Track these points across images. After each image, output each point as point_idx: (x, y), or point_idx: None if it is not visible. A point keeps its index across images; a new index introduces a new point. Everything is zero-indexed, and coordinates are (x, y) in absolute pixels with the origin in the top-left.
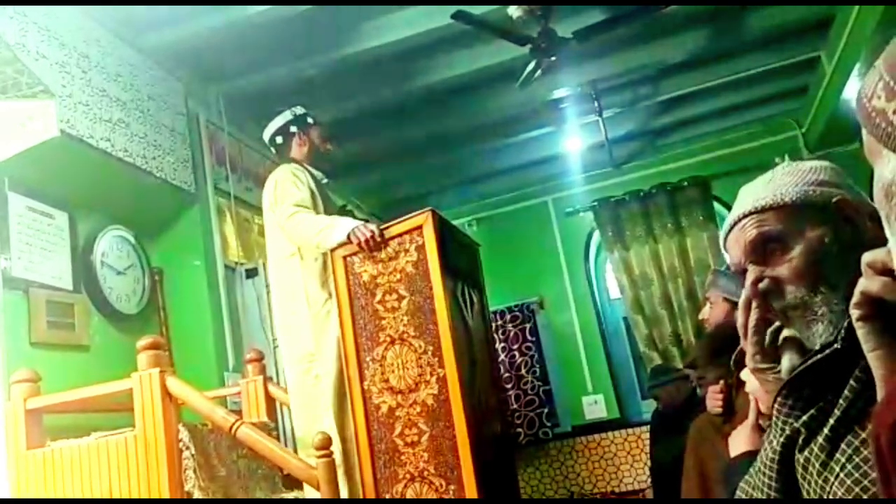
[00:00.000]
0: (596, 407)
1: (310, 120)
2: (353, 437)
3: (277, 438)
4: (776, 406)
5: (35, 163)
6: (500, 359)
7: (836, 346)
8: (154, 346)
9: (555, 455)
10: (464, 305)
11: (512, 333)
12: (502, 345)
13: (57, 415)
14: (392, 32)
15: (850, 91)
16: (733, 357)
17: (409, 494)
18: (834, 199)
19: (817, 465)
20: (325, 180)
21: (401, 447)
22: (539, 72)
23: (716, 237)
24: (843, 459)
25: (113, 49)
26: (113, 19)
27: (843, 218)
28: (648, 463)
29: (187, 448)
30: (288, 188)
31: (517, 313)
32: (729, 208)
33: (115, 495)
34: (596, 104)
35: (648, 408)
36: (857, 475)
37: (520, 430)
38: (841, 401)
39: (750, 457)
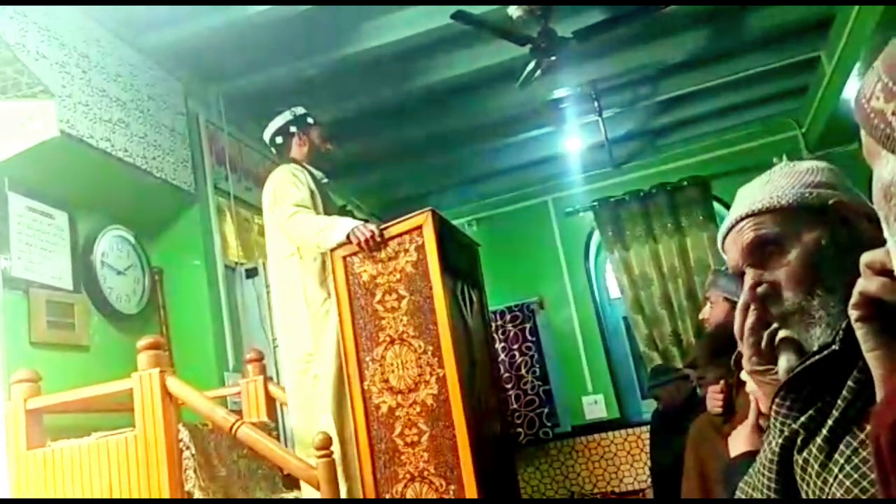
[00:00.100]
0: (596, 407)
1: (310, 120)
2: (352, 436)
3: (277, 438)
4: (774, 407)
5: (35, 163)
6: (499, 359)
7: (833, 347)
8: (154, 346)
9: (555, 455)
10: (463, 305)
11: (512, 333)
12: (502, 345)
13: (57, 415)
14: (392, 32)
15: (850, 91)
16: (733, 357)
17: (409, 494)
18: (830, 202)
19: (816, 466)
20: (325, 180)
21: (401, 447)
22: (539, 72)
23: (716, 237)
24: (841, 460)
25: (113, 49)
26: (113, 19)
27: (840, 220)
28: (648, 463)
29: (187, 448)
30: (287, 188)
31: (517, 313)
32: (728, 208)
33: (116, 495)
34: (596, 104)
35: (648, 408)
36: (855, 476)
37: (520, 429)
38: (839, 402)
39: (750, 457)
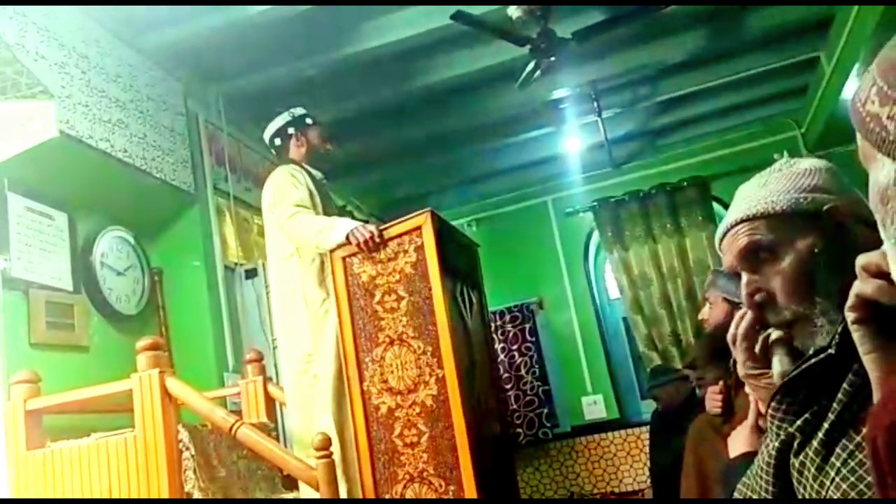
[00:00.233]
0: (595, 407)
1: (308, 121)
2: (352, 437)
3: (277, 439)
4: (770, 411)
5: (34, 163)
6: (499, 359)
7: (829, 350)
8: (154, 346)
9: (554, 455)
10: (463, 306)
11: (511, 334)
12: (502, 345)
13: (57, 415)
14: (392, 32)
15: (850, 91)
16: (732, 358)
17: (409, 495)
18: (825, 207)
19: (812, 470)
20: (324, 180)
21: (400, 448)
22: (538, 72)
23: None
24: (837, 464)
25: (112, 49)
26: (112, 19)
27: (834, 225)
28: (648, 463)
29: (187, 449)
30: (286, 189)
31: (516, 313)
32: (728, 208)
33: (115, 496)
34: (595, 104)
35: (648, 408)
36: (852, 479)
37: (519, 430)
38: (835, 405)
39: (749, 458)
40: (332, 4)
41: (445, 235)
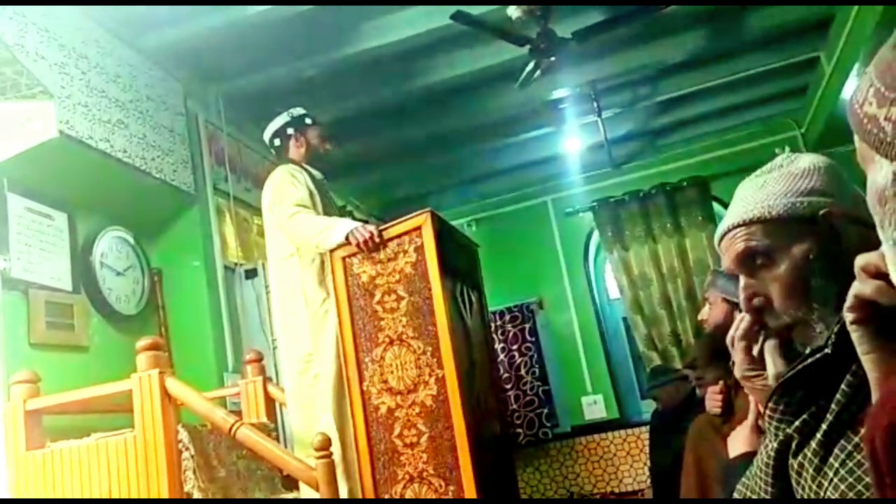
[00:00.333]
0: (595, 407)
1: (307, 121)
2: (352, 437)
3: (277, 439)
4: (768, 412)
5: (34, 164)
6: (499, 359)
7: (826, 350)
8: (153, 346)
9: (554, 455)
10: (463, 306)
11: (511, 334)
12: (501, 345)
13: (56, 416)
14: (392, 32)
15: (850, 91)
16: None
17: (409, 495)
18: (821, 212)
19: (811, 471)
20: (324, 180)
21: (400, 448)
22: (538, 72)
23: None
24: (836, 464)
25: (112, 49)
26: (112, 19)
27: (829, 229)
28: (648, 463)
29: (187, 449)
30: (286, 188)
31: (516, 313)
32: (728, 208)
33: (115, 496)
34: (595, 104)
35: (648, 408)
36: (850, 480)
37: (519, 430)
38: (833, 405)
39: (748, 458)
40: (332, 4)
41: (445, 235)
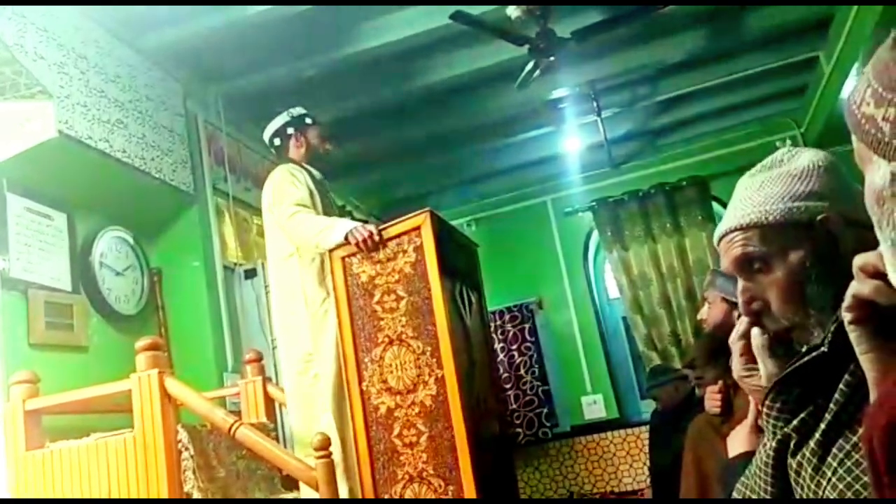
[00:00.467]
0: (595, 407)
1: (307, 120)
2: (352, 436)
3: (276, 439)
4: (765, 410)
5: (33, 164)
6: (499, 359)
7: (822, 349)
8: (153, 346)
9: (554, 455)
10: (462, 306)
11: (511, 334)
12: (501, 345)
13: (56, 416)
14: (392, 32)
15: (849, 91)
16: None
17: (408, 495)
18: (819, 218)
19: (809, 470)
20: (325, 180)
21: (399, 448)
22: (538, 72)
23: None
24: (834, 464)
25: (111, 49)
26: (111, 20)
27: (826, 233)
28: (647, 463)
29: (186, 449)
30: (286, 188)
31: (516, 313)
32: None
33: (115, 496)
34: (595, 104)
35: (647, 408)
36: (848, 479)
37: (519, 430)
38: (832, 405)
39: (748, 457)
40: (332, 4)
41: (445, 235)
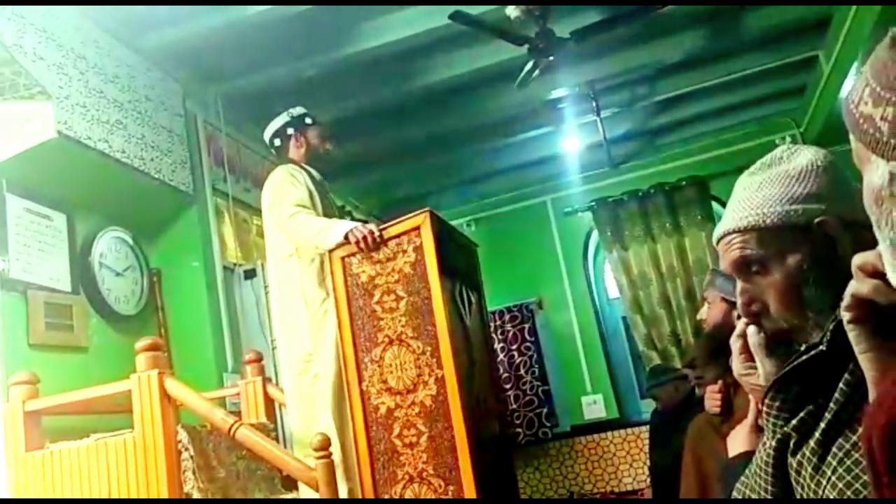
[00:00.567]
0: (595, 407)
1: (307, 120)
2: (351, 436)
3: (276, 439)
4: (764, 409)
5: (33, 164)
6: (498, 359)
7: (821, 347)
8: (153, 347)
9: (554, 455)
10: (462, 306)
11: (511, 334)
12: (501, 345)
13: (56, 417)
14: (392, 32)
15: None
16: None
17: (408, 495)
18: (816, 221)
19: (809, 469)
20: (325, 180)
21: (399, 448)
22: (537, 72)
23: None
24: (834, 463)
25: (110, 50)
26: (111, 20)
27: (823, 236)
28: (648, 463)
29: (186, 449)
30: (286, 188)
31: (516, 313)
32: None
33: (115, 497)
34: (594, 104)
35: (647, 407)
36: (848, 478)
37: (519, 430)
38: (831, 404)
39: (748, 457)
40: (332, 4)
41: (444, 235)
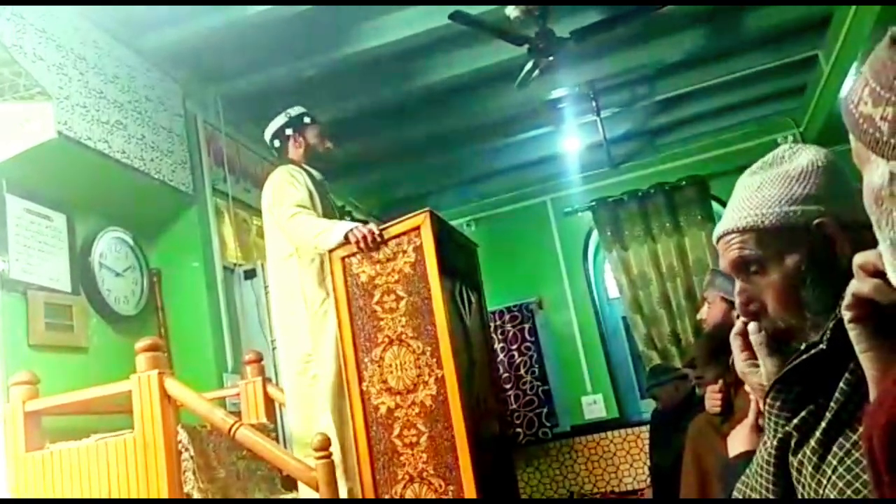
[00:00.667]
0: (595, 407)
1: (306, 120)
2: (351, 437)
3: (276, 440)
4: (766, 408)
5: (33, 165)
6: (498, 359)
7: (821, 346)
8: (153, 347)
9: (554, 455)
10: (462, 306)
11: (511, 333)
12: (501, 345)
13: (56, 417)
14: (392, 32)
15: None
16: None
17: (409, 495)
18: (815, 223)
19: (810, 468)
20: (325, 181)
21: (399, 448)
22: (537, 72)
23: None
24: (834, 462)
25: (110, 50)
26: (111, 20)
27: (822, 237)
28: (648, 462)
29: (186, 450)
30: (286, 189)
31: (516, 313)
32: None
33: (115, 497)
34: (594, 104)
35: (647, 407)
36: (848, 477)
37: (519, 430)
38: (832, 404)
39: (748, 457)
40: (332, 4)
41: (444, 235)
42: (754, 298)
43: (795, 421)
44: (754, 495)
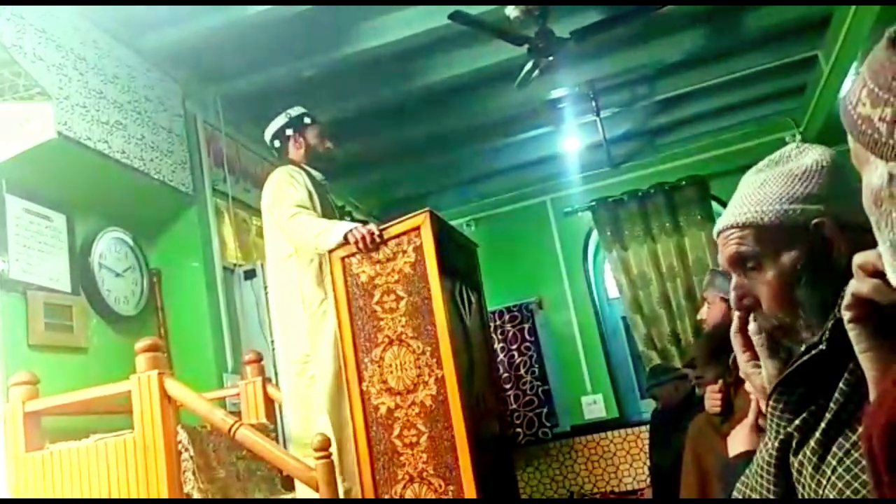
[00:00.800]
0: (595, 407)
1: (306, 120)
2: (349, 437)
3: (276, 440)
4: (769, 409)
5: (32, 165)
6: (498, 359)
7: (821, 347)
8: (153, 347)
9: (554, 455)
10: (462, 306)
11: (511, 333)
12: (501, 345)
13: (56, 417)
14: (391, 32)
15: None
16: (731, 357)
17: (409, 495)
18: (813, 222)
19: (810, 469)
20: (325, 181)
21: (399, 448)
22: (537, 72)
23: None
24: (834, 462)
25: (110, 50)
26: (111, 20)
27: (820, 238)
28: (648, 462)
29: (186, 450)
30: (286, 189)
31: (516, 313)
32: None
33: (115, 497)
34: (594, 104)
35: (647, 407)
36: (847, 477)
37: (519, 430)
38: (832, 404)
39: (748, 457)
40: (332, 4)
41: (444, 235)
42: (749, 294)
43: (797, 422)
44: (754, 495)
